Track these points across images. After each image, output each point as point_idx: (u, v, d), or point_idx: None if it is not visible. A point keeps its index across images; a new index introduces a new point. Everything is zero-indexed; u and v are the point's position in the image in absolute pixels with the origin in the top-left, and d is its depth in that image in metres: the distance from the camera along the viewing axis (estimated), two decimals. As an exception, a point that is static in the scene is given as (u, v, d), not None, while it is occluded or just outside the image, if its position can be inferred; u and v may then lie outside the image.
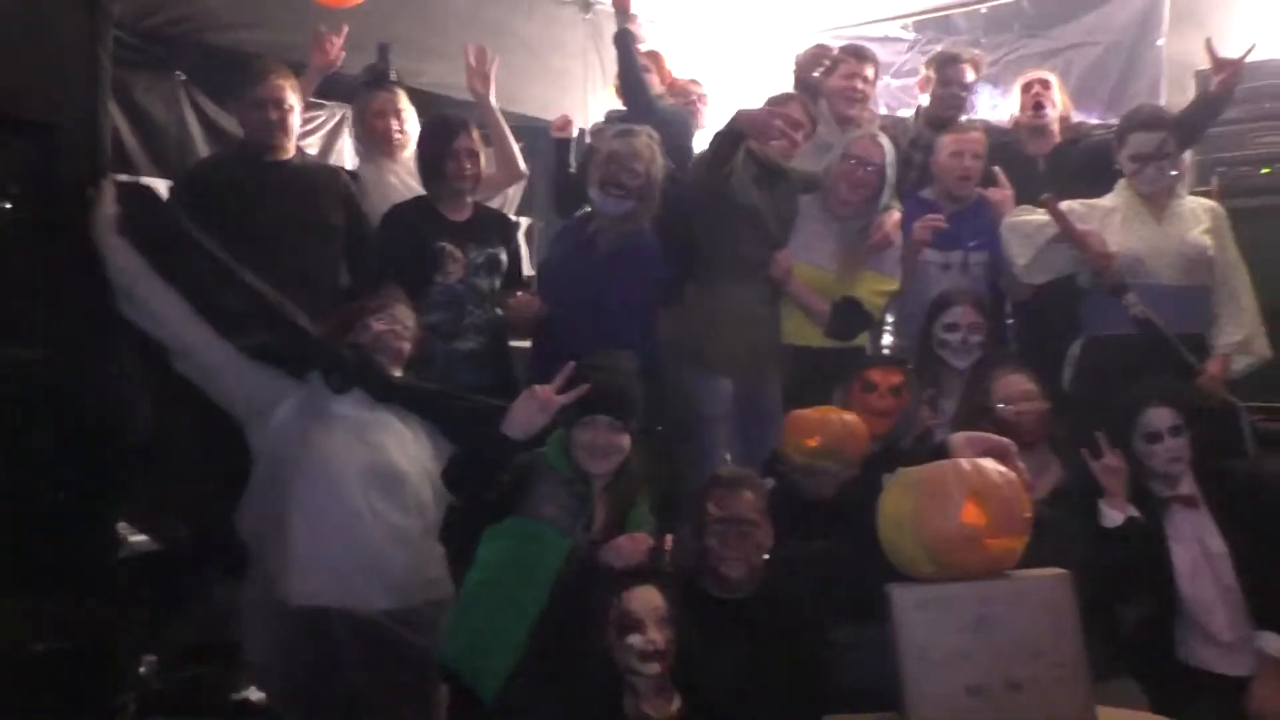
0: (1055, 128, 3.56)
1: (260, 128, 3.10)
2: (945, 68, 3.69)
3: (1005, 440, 2.09)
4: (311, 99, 3.58)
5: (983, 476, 1.94)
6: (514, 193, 4.66)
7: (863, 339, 3.43)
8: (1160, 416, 2.60)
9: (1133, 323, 3.03)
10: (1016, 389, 2.79)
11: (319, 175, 3.26)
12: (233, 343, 2.65)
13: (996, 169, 3.45)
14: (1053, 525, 2.49)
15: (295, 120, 3.17)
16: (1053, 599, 1.84)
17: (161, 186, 3.35)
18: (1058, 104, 3.56)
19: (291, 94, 3.13)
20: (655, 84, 3.59)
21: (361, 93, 3.51)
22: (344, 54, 3.43)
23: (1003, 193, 3.39)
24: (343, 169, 3.50)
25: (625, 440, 2.46)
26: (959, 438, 2.11)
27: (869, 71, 3.72)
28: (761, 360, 3.27)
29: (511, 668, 2.29)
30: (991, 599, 1.82)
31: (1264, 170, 3.82)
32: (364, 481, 2.56)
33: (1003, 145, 3.57)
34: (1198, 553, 2.55)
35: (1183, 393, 2.74)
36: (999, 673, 1.78)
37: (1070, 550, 2.38)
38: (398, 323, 2.74)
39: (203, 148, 3.62)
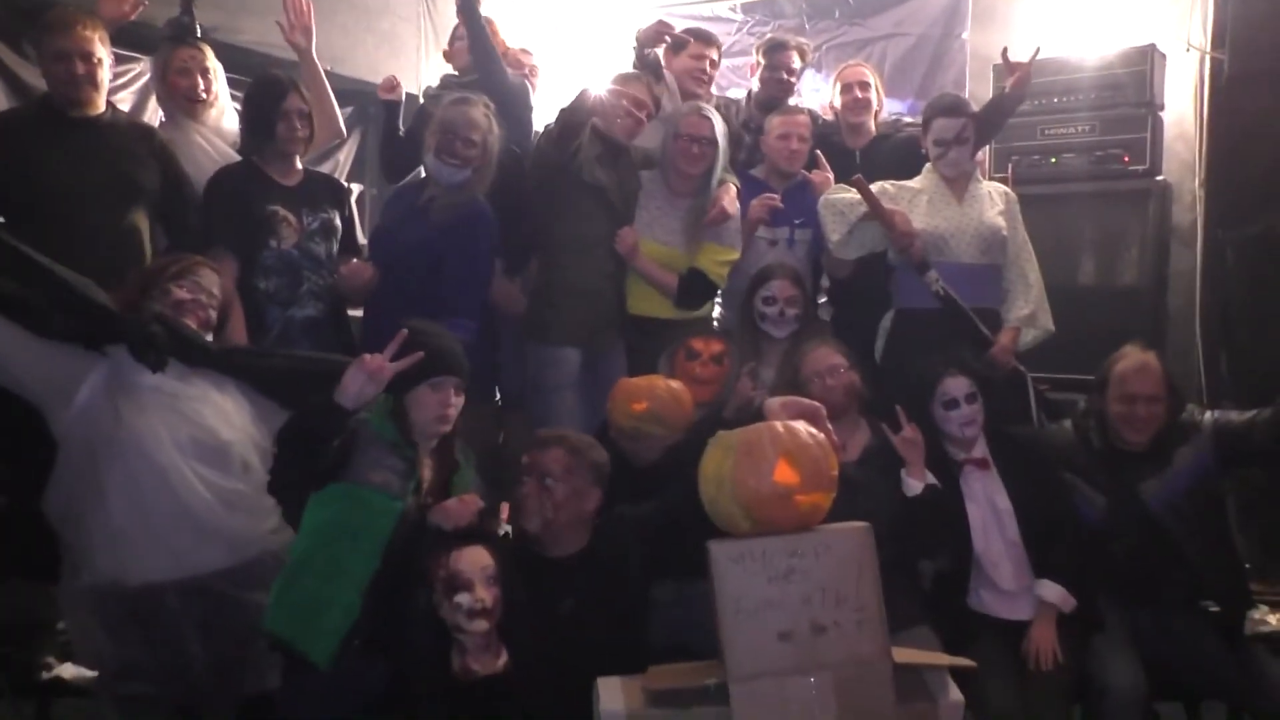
0: (872, 124, 3.79)
1: (66, 81, 2.91)
2: (774, 54, 3.86)
3: (815, 404, 2.23)
4: (122, 51, 3.41)
5: (794, 438, 2.07)
6: (344, 158, 4.59)
7: (708, 308, 3.57)
8: (956, 385, 2.81)
9: (934, 297, 3.27)
10: (824, 362, 2.95)
11: (129, 132, 3.09)
12: (21, 324, 2.46)
13: (818, 153, 3.64)
14: (862, 485, 2.69)
15: (105, 74, 2.99)
16: (855, 550, 1.98)
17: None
18: (873, 102, 3.77)
19: (101, 46, 2.95)
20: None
21: (162, 48, 3.34)
22: (144, 4, 3.24)
23: (824, 175, 3.59)
24: (155, 127, 3.34)
25: (462, 401, 2.50)
26: (773, 402, 2.24)
27: (714, 55, 3.89)
28: (604, 331, 3.37)
29: (344, 631, 2.30)
30: (800, 551, 1.96)
31: (1053, 160, 4.18)
32: (185, 452, 2.49)
33: (824, 136, 3.78)
34: (988, 510, 2.79)
35: (977, 363, 2.96)
36: (806, 618, 1.92)
37: (878, 509, 2.57)
38: (202, 290, 2.64)
39: (1, 101, 3.41)
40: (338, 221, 3.23)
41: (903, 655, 2.03)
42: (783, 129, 3.57)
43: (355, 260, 3.17)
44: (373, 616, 2.32)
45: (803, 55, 3.93)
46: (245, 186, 3.09)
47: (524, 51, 4.12)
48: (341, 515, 2.35)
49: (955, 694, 2.06)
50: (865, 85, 3.75)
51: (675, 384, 2.87)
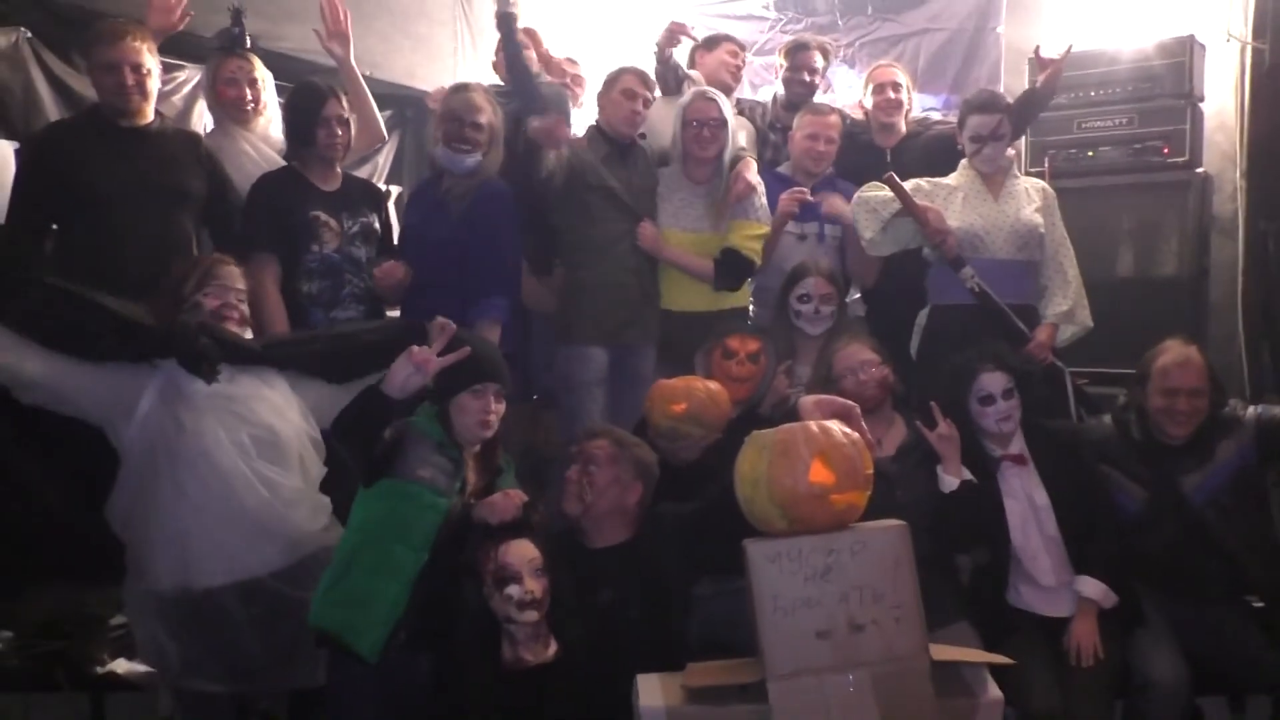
0: (903, 124, 3.79)
1: (115, 91, 2.99)
2: (795, 55, 3.89)
3: (849, 403, 2.25)
4: (169, 59, 3.48)
5: (829, 437, 2.09)
6: (383, 161, 4.64)
7: (744, 299, 3.58)
8: (993, 380, 2.79)
9: (970, 294, 3.26)
10: (856, 358, 2.95)
11: (176, 140, 3.17)
12: (75, 355, 2.54)
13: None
14: (899, 481, 2.72)
15: (154, 84, 3.07)
16: (891, 548, 2.00)
17: (7, 149, 3.23)
18: (904, 102, 3.77)
19: (149, 56, 3.02)
20: (532, 62, 3.65)
21: (212, 58, 3.41)
22: (190, 15, 3.30)
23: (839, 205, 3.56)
24: (201, 135, 3.41)
25: (504, 407, 2.55)
26: (807, 401, 2.26)
27: (743, 57, 3.99)
28: (631, 328, 3.39)
29: (391, 624, 2.35)
30: (836, 549, 1.98)
31: (1090, 153, 4.15)
32: (245, 452, 2.56)
33: (854, 135, 3.78)
34: (1026, 506, 2.78)
35: (1013, 358, 2.94)
36: (843, 616, 1.94)
37: (915, 504, 2.61)
38: (229, 291, 2.70)
39: (51, 110, 3.48)
40: (376, 225, 3.28)
41: (941, 652, 2.04)
42: (810, 129, 3.58)
43: (389, 261, 3.22)
44: (420, 610, 2.37)
45: (825, 54, 3.95)
46: (287, 192, 3.15)
47: (569, 61, 4.15)
48: (389, 510, 2.41)
49: (994, 690, 2.07)
50: (897, 86, 3.75)
51: (713, 385, 2.89)
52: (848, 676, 1.92)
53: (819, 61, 3.89)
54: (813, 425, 2.13)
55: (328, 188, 3.21)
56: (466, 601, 2.32)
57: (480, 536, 2.33)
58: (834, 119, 3.62)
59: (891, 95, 3.73)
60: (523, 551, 2.26)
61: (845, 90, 4.50)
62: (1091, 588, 2.66)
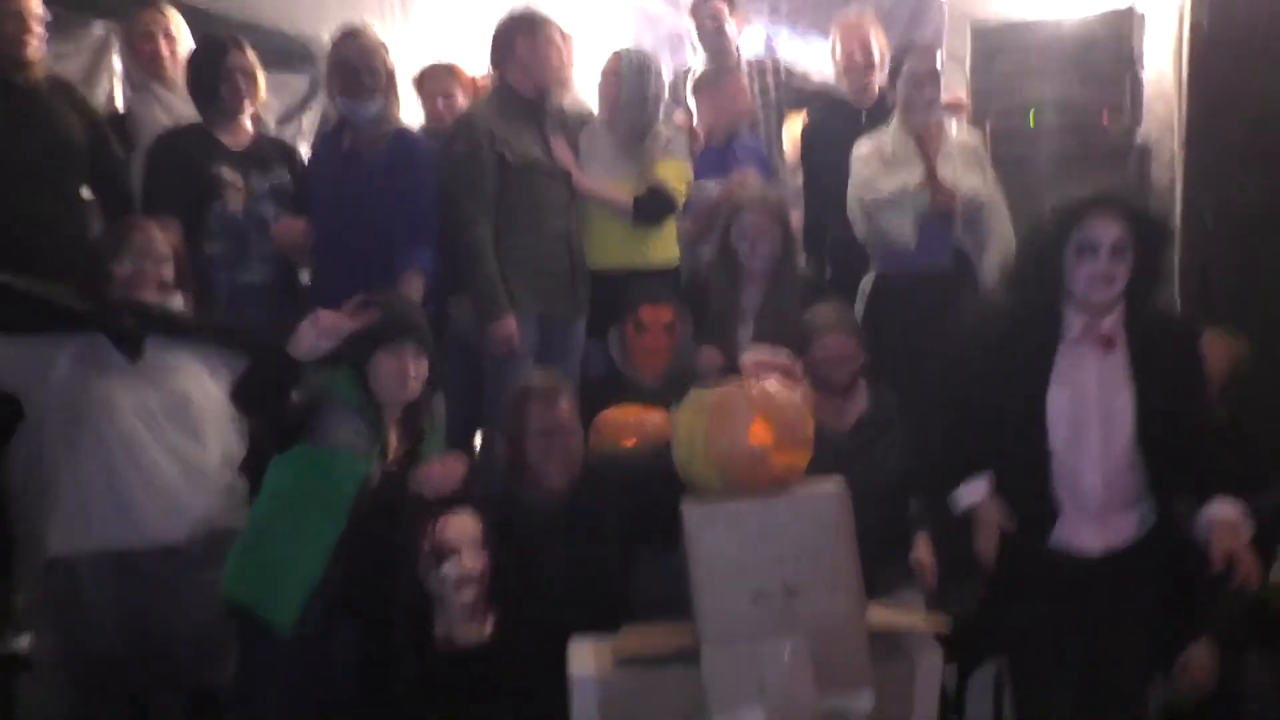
0: (876, 83, 3.69)
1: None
2: (699, 10, 3.83)
3: (789, 364, 2.18)
4: (78, 13, 3.31)
5: (769, 398, 2.02)
6: (307, 123, 4.47)
7: (670, 256, 3.49)
8: (1104, 228, 2.20)
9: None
10: (838, 350, 2.85)
11: (53, 92, 2.98)
12: None
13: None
14: (855, 455, 2.66)
15: (39, 34, 2.88)
16: (830, 511, 1.94)
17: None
18: (875, 61, 3.67)
19: (35, 3, 2.85)
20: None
21: (128, 12, 3.26)
22: None
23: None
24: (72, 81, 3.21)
25: (425, 366, 2.45)
26: (748, 360, 2.19)
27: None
28: (560, 300, 3.29)
29: (307, 595, 2.25)
30: (773, 512, 1.91)
31: (1030, 120, 4.13)
32: (157, 422, 2.46)
33: (828, 96, 3.76)
34: (1089, 403, 2.25)
35: (1142, 208, 2.39)
36: (779, 579, 1.88)
37: (872, 478, 2.54)
38: (146, 257, 2.56)
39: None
40: (290, 184, 3.13)
41: (879, 617, 1.99)
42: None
43: (286, 218, 3.07)
44: (340, 583, 2.27)
45: (730, 3, 3.88)
46: (191, 149, 3.02)
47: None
48: (303, 477, 2.31)
49: (935, 654, 2.02)
50: (866, 46, 3.65)
51: (657, 417, 2.73)
52: (783, 642, 1.86)
53: (725, 12, 3.82)
54: (752, 384, 2.07)
55: (235, 145, 3.07)
56: (396, 576, 2.20)
57: (416, 509, 2.22)
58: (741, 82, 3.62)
59: (859, 57, 3.64)
60: (463, 526, 2.15)
61: (788, 51, 4.42)
62: (1227, 509, 2.15)
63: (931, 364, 2.84)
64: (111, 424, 2.43)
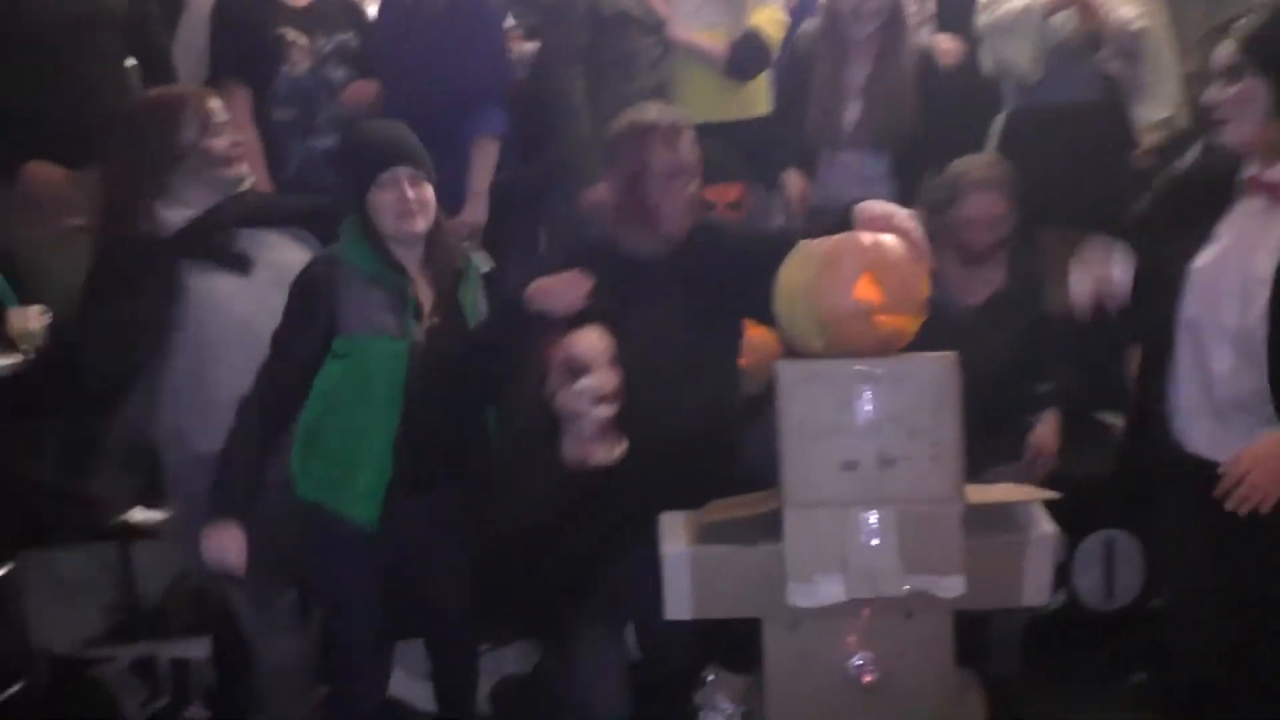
0: None
1: None
2: None
3: (910, 223, 1.97)
4: None
5: (882, 253, 1.87)
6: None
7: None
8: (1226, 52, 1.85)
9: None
10: (984, 212, 2.60)
11: None
12: None
13: None
14: (979, 334, 2.47)
15: None
16: (936, 380, 1.80)
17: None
18: None
19: None
20: None
21: None
22: None
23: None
24: None
25: (431, 193, 2.20)
26: (864, 209, 2.01)
27: None
28: None
29: (381, 491, 2.17)
30: (875, 376, 1.79)
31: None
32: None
33: None
34: (1231, 260, 1.86)
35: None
36: (874, 449, 1.78)
37: (991, 360, 2.34)
38: (227, 127, 2.29)
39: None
40: (355, 43, 2.99)
41: (980, 494, 1.88)
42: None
43: (355, 81, 2.92)
44: (411, 468, 2.17)
45: None
46: (253, 9, 2.88)
47: None
48: (343, 374, 2.16)
49: (1047, 524, 1.90)
50: None
51: (766, 336, 2.46)
52: (871, 512, 1.78)
53: None
54: (866, 237, 1.90)
55: (297, 2, 2.92)
56: (520, 400, 2.14)
57: (538, 327, 2.10)
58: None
59: None
60: (593, 341, 2.03)
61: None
62: None
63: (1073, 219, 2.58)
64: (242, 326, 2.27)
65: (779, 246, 1.96)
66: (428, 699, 2.60)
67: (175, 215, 2.28)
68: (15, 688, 2.48)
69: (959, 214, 2.60)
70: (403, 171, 2.15)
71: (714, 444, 2.16)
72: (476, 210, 3.05)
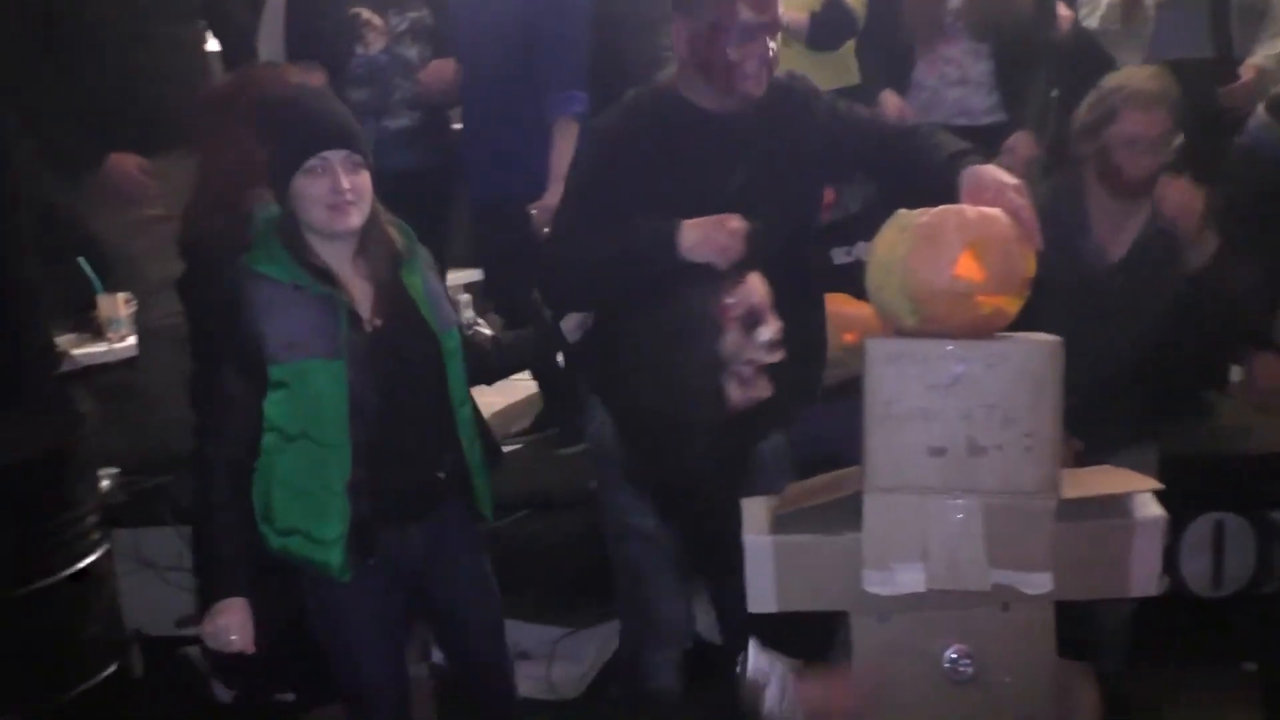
0: None
1: None
2: None
3: (1022, 199, 1.85)
4: None
5: (987, 228, 1.75)
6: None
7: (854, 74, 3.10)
8: None
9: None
10: (1145, 132, 2.33)
11: None
12: None
13: None
14: (1127, 289, 2.34)
15: None
16: (1036, 366, 1.68)
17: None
18: None
19: None
20: None
21: None
22: None
23: None
24: None
25: (368, 180, 1.92)
26: (975, 175, 1.89)
27: None
28: None
29: (342, 527, 1.94)
30: (970, 359, 1.68)
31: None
32: None
33: None
34: None
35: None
36: (963, 435, 1.68)
37: (1140, 316, 2.25)
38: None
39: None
40: (430, 20, 2.94)
41: (1077, 485, 1.76)
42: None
43: (435, 60, 2.87)
44: (376, 502, 1.97)
45: None
46: None
47: None
48: (285, 404, 1.91)
49: (1157, 510, 1.77)
50: None
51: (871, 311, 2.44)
52: (957, 502, 1.68)
53: None
54: (970, 210, 1.79)
55: None
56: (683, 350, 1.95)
57: (704, 279, 1.95)
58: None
59: None
60: (762, 287, 1.94)
61: None
62: None
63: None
64: None
65: (865, 126, 2.00)
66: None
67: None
68: (109, 670, 2.51)
69: (1115, 134, 2.35)
70: (336, 156, 1.86)
71: (799, 309, 2.07)
72: (556, 194, 3.00)
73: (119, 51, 2.84)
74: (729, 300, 1.91)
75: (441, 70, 2.92)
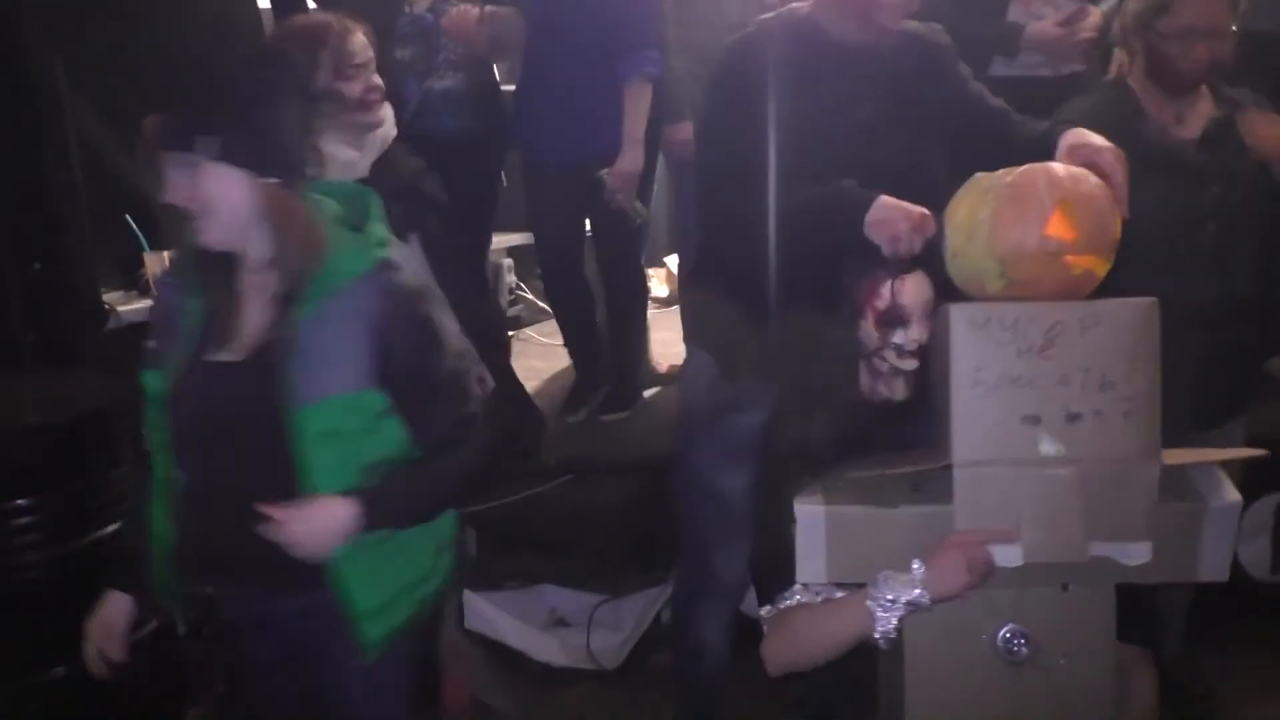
0: None
1: None
2: None
3: (1118, 164, 1.78)
4: None
5: (1078, 186, 1.67)
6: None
7: None
8: None
9: None
10: (1205, 22, 2.20)
11: None
12: None
13: None
14: (1210, 171, 2.24)
15: None
16: (1132, 327, 1.61)
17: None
18: None
19: None
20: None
21: None
22: None
23: None
24: None
25: (218, 184, 1.61)
26: (1072, 135, 1.82)
27: None
28: None
29: (166, 572, 1.74)
30: (1063, 322, 1.60)
31: None
32: None
33: None
34: None
35: None
36: (1059, 402, 1.60)
37: (1229, 196, 2.17)
38: (366, 70, 2.06)
39: None
40: None
41: (1178, 455, 1.68)
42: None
43: (459, 6, 2.75)
44: (201, 550, 1.70)
45: None
46: None
47: None
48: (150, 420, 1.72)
49: (1231, 493, 1.69)
50: None
51: None
52: (1053, 472, 1.60)
53: None
54: (1058, 168, 1.71)
55: None
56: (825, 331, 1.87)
57: (867, 264, 1.86)
58: None
59: None
60: (920, 290, 1.82)
61: None
62: None
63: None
64: None
65: (977, 97, 1.98)
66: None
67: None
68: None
69: (1168, 25, 2.24)
70: (198, 154, 1.61)
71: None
72: (634, 158, 2.94)
73: (172, 4, 2.78)
74: (880, 290, 1.82)
75: (463, 16, 2.80)
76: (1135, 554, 1.62)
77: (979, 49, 2.80)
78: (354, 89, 2.15)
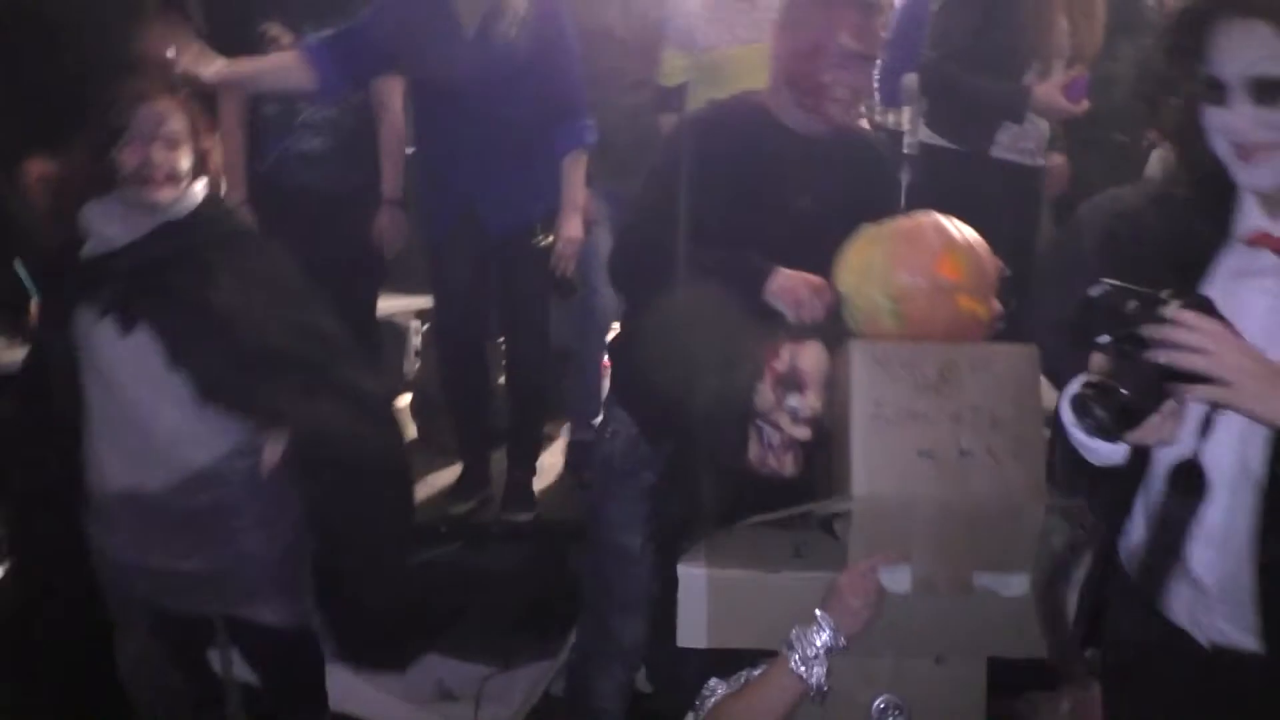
0: None
1: None
2: None
3: None
4: None
5: (961, 232, 1.78)
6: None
7: None
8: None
9: None
10: None
11: None
12: None
13: None
14: None
15: None
16: (1018, 371, 1.69)
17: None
18: None
19: None
20: None
21: None
22: None
23: None
24: None
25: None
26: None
27: None
28: None
29: None
30: (956, 362, 1.67)
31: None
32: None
33: None
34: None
35: None
36: (953, 438, 1.66)
37: None
38: (153, 141, 1.97)
39: None
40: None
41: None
42: None
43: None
44: None
45: None
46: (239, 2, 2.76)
47: None
48: None
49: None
50: None
51: None
52: (944, 505, 1.64)
53: None
54: (941, 218, 1.81)
55: None
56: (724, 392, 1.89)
57: (770, 323, 1.92)
58: None
59: None
60: (818, 359, 1.84)
61: None
62: None
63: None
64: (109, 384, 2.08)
65: None
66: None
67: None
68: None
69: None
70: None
71: None
72: (575, 225, 2.96)
73: (42, 41, 2.68)
74: (779, 353, 1.84)
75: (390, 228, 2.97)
76: (1015, 585, 1.67)
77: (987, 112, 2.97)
78: (132, 160, 2.02)
